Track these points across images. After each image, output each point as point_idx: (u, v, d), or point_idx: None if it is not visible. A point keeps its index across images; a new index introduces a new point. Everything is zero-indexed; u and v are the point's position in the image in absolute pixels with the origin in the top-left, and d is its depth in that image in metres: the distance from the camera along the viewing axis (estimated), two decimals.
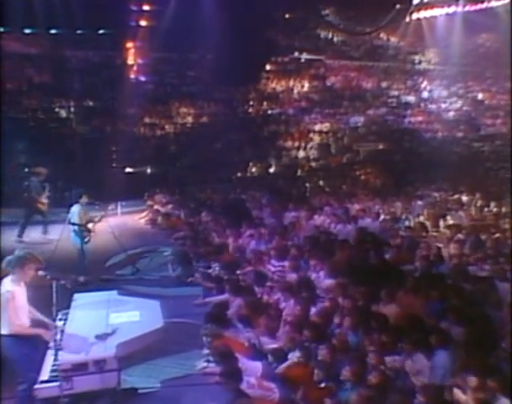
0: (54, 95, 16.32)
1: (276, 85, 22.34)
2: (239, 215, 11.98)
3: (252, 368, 5.55)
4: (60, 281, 4.60)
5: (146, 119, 18.19)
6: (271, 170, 18.43)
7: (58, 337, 4.52)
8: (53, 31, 15.64)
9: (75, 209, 8.53)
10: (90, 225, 8.54)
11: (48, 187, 11.24)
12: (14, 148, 13.78)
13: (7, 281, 4.68)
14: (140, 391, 5.44)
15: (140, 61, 17.04)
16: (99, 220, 8.83)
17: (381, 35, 24.10)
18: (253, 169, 18.32)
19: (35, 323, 4.78)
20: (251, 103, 21.28)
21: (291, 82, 22.49)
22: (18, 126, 14.45)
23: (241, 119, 20.10)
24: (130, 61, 17.05)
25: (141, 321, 4.90)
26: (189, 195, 14.52)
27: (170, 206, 13.03)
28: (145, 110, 18.11)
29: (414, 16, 22.20)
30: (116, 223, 12.11)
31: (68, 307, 5.21)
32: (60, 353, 4.27)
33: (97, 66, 17.01)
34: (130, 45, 16.65)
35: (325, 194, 14.28)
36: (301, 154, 19.18)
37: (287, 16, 23.03)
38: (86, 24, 15.24)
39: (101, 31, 15.88)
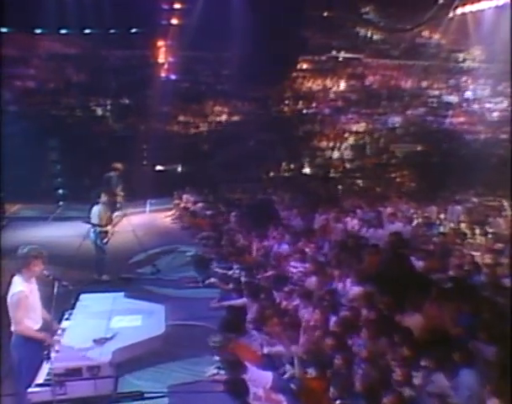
0: (88, 93, 16.60)
1: (312, 84, 21.93)
2: (267, 217, 11.75)
3: (261, 378, 5.29)
4: (62, 282, 4.52)
5: (179, 118, 18.24)
6: (304, 170, 18.08)
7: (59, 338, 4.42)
8: (88, 31, 15.84)
9: (95, 209, 8.51)
10: (109, 227, 8.51)
11: (122, 181, 11.75)
12: (46, 145, 14.12)
13: (18, 280, 4.60)
14: (146, 396, 5.31)
15: (172, 59, 17.08)
16: (119, 221, 8.81)
17: (423, 33, 23.19)
18: (286, 169, 18.04)
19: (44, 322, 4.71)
20: (286, 102, 20.99)
21: (328, 82, 22.02)
22: (51, 124, 14.81)
23: (275, 119, 19.85)
24: (163, 59, 17.11)
25: (142, 327, 4.75)
26: (218, 195, 14.42)
27: (198, 205, 12.93)
28: (177, 109, 18.18)
29: (459, 10, 21.11)
30: (142, 221, 12.22)
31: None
32: (55, 356, 4.16)
33: (131, 65, 17.15)
34: (162, 43, 16.69)
35: (357, 196, 13.81)
36: (336, 154, 18.74)
37: (325, 14, 22.59)
38: (119, 24, 15.36)
39: (134, 30, 15.95)
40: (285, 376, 5.57)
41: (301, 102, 20.88)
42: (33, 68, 17.27)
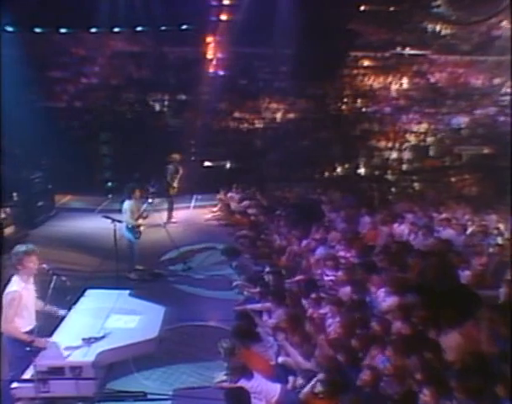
0: (145, 89, 16.95)
1: (373, 82, 21.04)
2: (310, 218, 11.35)
3: (268, 390, 4.96)
4: (60, 276, 4.48)
5: (233, 114, 18.19)
6: (358, 171, 17.40)
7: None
8: (146, 29, 16.12)
9: (127, 204, 8.60)
10: (141, 221, 8.57)
11: (181, 172, 12.10)
12: (100, 139, 14.62)
13: (15, 279, 4.65)
14: (149, 397, 5.18)
15: (227, 56, 17.06)
16: (147, 216, 8.84)
17: (501, 23, 21.40)
18: (339, 169, 17.46)
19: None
20: (344, 100, 20.31)
21: (390, 79, 21.03)
22: (106, 119, 15.29)
23: (332, 117, 19.28)
24: (219, 56, 17.11)
25: (135, 329, 4.60)
26: (265, 193, 14.16)
27: (242, 203, 12.77)
28: (232, 105, 18.13)
29: None
30: (184, 217, 12.26)
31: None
32: (41, 353, 4.12)
33: (187, 61, 17.28)
34: (218, 40, 16.67)
35: (411, 199, 13.00)
36: (393, 155, 17.83)
37: (391, 9, 21.59)
38: (177, 21, 15.51)
39: (191, 27, 16.02)
40: (296, 390, 5.21)
41: (360, 100, 20.10)
42: (97, 66, 17.93)
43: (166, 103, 17.21)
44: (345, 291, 7.29)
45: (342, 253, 9.27)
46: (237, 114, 18.43)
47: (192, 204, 13.77)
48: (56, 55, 16.78)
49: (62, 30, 16.05)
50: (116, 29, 15.53)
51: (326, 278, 7.77)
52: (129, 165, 13.86)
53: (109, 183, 14.13)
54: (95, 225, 11.06)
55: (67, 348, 4.16)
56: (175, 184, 12.06)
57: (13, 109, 11.13)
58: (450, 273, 7.95)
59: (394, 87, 20.64)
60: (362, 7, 19.55)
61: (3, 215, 8.88)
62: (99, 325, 4.56)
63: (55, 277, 4.54)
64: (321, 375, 5.23)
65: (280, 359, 5.69)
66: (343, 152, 18.04)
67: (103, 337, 4.33)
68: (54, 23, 15.60)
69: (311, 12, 15.98)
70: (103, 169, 14.60)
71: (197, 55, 16.76)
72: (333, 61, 17.76)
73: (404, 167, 17.20)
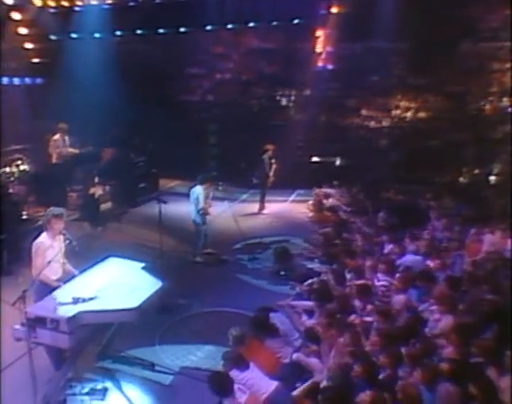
0: (271, 85, 17.35)
1: None
2: (409, 223, 10.49)
3: (260, 385, 4.76)
4: (72, 241, 5.05)
5: (359, 111, 17.55)
6: (489, 178, 15.37)
7: None
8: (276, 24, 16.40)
9: (199, 190, 8.97)
10: (207, 207, 8.95)
11: (274, 163, 12.52)
12: (211, 130, 15.51)
13: (43, 234, 5.47)
14: (156, 368, 5.46)
15: (355, 51, 16.48)
16: (210, 204, 9.18)
17: None
18: (466, 174, 15.64)
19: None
20: (489, 98, 18.02)
21: None
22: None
23: (470, 117, 17.30)
24: (344, 50, 16.66)
25: (122, 298, 4.90)
26: (370, 193, 13.40)
27: (338, 201, 12.31)
28: (359, 102, 17.50)
29: None
30: (277, 210, 12.50)
31: None
32: (36, 303, 4.65)
33: (312, 56, 17.15)
34: (346, 34, 16.20)
35: None
36: None
37: None
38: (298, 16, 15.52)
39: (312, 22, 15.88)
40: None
41: (506, 98, 17.62)
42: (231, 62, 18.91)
43: (290, 98, 17.42)
44: (398, 300, 6.61)
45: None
46: (363, 112, 17.73)
47: (291, 198, 13.75)
48: (194, 53, 18.10)
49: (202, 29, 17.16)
50: (231, 26, 16.12)
51: (379, 283, 7.13)
52: (237, 156, 14.48)
53: (214, 173, 14.81)
54: (184, 209, 11.73)
55: (59, 303, 4.64)
56: (270, 174, 12.37)
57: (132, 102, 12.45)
58: None
59: None
60: None
61: (101, 192, 10.04)
62: (95, 288, 4.97)
63: (67, 241, 5.16)
64: (326, 383, 4.87)
65: (295, 356, 5.42)
66: (475, 156, 16.08)
67: (91, 299, 4.71)
68: (195, 23, 16.81)
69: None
70: (211, 158, 15.45)
71: (321, 50, 16.55)
72: (479, 54, 15.92)
73: None
